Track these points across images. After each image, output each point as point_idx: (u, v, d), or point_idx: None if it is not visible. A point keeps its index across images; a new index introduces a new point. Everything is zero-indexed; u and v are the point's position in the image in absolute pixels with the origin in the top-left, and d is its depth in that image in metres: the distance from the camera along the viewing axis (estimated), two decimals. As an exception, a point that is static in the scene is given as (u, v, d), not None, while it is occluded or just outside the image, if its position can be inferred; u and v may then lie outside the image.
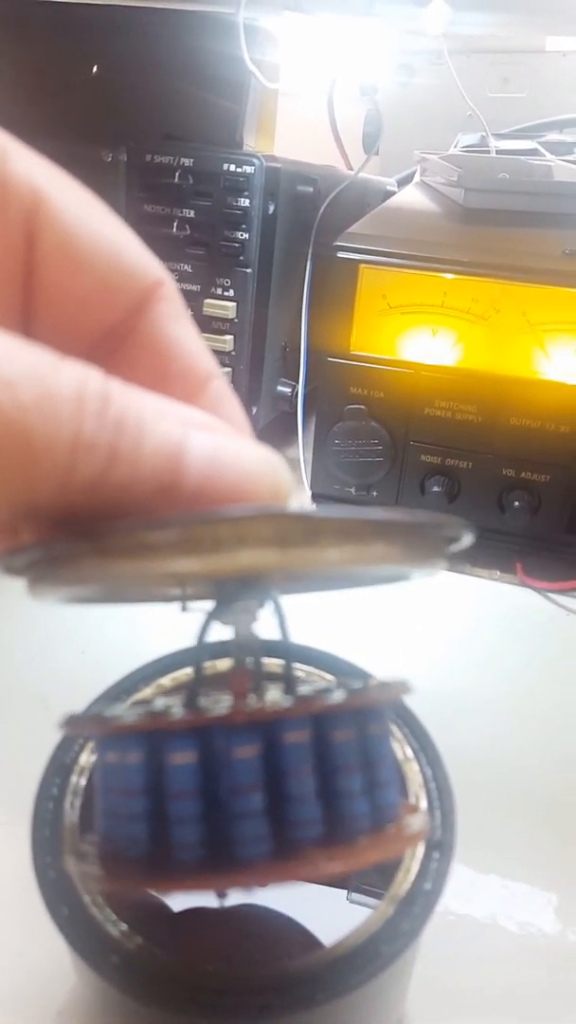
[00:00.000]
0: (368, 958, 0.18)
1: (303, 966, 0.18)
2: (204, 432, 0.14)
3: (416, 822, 0.17)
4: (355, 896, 0.26)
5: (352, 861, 0.15)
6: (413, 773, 0.22)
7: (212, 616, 0.17)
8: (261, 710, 0.15)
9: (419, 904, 0.19)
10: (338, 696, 0.16)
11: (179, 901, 0.22)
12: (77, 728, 0.16)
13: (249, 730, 0.15)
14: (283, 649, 0.18)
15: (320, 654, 0.25)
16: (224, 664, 0.23)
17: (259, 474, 0.15)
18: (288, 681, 0.18)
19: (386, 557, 0.15)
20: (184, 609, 0.18)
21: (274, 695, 0.17)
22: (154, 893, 0.21)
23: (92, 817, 0.17)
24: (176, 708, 0.16)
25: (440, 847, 0.21)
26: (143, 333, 0.17)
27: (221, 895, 0.17)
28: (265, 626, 0.18)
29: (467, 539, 0.16)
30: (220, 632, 0.18)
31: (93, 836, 0.17)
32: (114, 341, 0.17)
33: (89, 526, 0.13)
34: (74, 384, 0.13)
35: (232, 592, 0.17)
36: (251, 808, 0.15)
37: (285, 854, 0.15)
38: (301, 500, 0.51)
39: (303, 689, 0.18)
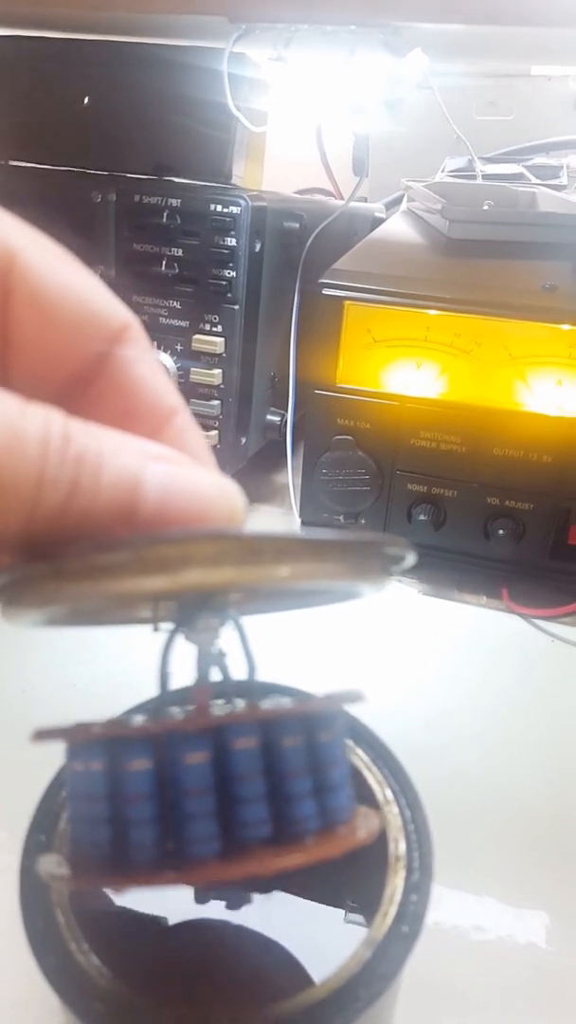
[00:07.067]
0: (346, 1001, 0.19)
1: (283, 1010, 0.19)
2: (161, 463, 0.16)
3: (366, 823, 0.18)
4: (351, 917, 0.26)
5: (298, 858, 0.16)
6: (392, 816, 0.23)
7: (175, 634, 0.18)
8: (211, 718, 0.16)
9: (397, 947, 0.20)
10: (285, 703, 0.17)
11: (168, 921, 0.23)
12: (46, 738, 0.17)
13: (201, 737, 0.16)
14: (248, 689, 0.19)
15: (286, 690, 0.25)
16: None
17: (214, 500, 0.16)
18: (250, 694, 0.19)
19: (324, 574, 0.16)
20: (155, 630, 0.19)
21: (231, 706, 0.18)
22: (115, 895, 0.23)
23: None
24: (137, 719, 0.17)
25: (418, 890, 0.21)
26: (111, 374, 0.19)
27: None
28: (231, 647, 0.19)
29: (410, 558, 0.17)
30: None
31: (65, 842, 0.18)
32: (85, 382, 0.19)
33: (52, 551, 0.15)
34: (38, 426, 0.14)
35: (191, 611, 0.18)
36: (202, 810, 0.16)
37: (234, 852, 0.16)
38: (292, 526, 0.51)
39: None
